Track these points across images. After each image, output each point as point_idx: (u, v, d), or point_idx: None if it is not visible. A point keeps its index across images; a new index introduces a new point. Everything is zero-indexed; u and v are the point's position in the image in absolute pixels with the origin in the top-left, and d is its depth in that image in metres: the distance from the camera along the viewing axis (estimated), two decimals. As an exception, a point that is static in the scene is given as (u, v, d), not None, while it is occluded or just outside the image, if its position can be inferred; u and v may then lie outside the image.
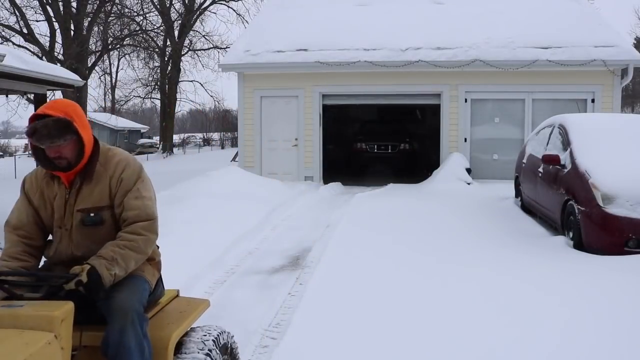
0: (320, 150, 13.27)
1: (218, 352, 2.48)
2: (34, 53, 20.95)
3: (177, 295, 2.75)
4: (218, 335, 2.56)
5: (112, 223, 2.42)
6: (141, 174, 2.46)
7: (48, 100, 14.46)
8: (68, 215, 2.38)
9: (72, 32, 21.78)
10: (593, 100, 12.27)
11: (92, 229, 2.38)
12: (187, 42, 32.41)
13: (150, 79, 33.11)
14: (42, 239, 2.46)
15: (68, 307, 2.02)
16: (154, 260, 2.57)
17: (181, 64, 32.97)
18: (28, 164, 20.74)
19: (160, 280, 2.63)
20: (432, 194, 10.39)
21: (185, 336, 2.48)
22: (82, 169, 2.38)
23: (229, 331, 2.73)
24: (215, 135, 55.93)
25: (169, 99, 32.64)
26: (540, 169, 7.64)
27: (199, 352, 2.40)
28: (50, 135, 2.22)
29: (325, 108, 13.46)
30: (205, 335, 2.51)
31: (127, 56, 31.22)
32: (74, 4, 22.03)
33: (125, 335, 2.17)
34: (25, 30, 21.42)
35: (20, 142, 58.29)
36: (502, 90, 12.60)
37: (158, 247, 2.64)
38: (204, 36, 32.68)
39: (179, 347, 2.42)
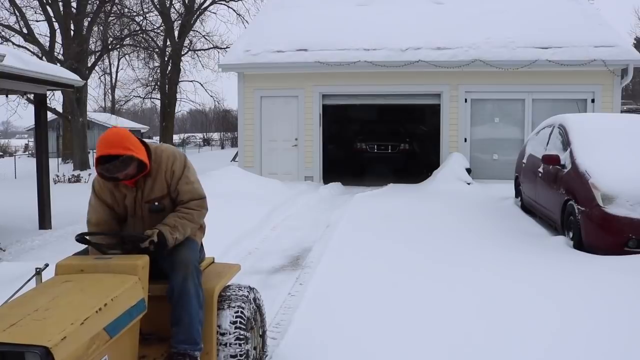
0: (320, 150, 13.27)
1: (249, 299, 3.18)
2: (34, 53, 20.92)
3: (213, 261, 3.44)
4: (248, 289, 3.26)
5: (171, 206, 3.06)
6: (186, 162, 3.06)
7: (48, 100, 14.47)
8: (138, 207, 3.02)
9: (72, 32, 21.72)
10: (593, 100, 12.27)
11: (157, 214, 3.00)
12: (187, 42, 32.37)
13: (150, 79, 33.06)
14: (118, 227, 3.09)
15: (145, 258, 2.72)
16: (201, 227, 3.22)
17: (181, 64, 32.89)
18: (28, 164, 20.71)
19: (202, 245, 3.28)
20: (432, 194, 10.39)
21: (224, 289, 3.15)
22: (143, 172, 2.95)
23: (255, 287, 3.44)
24: (215, 135, 55.91)
25: (169, 99, 32.58)
26: (540, 169, 7.64)
27: (236, 299, 3.11)
28: (120, 171, 2.78)
29: (325, 108, 13.46)
30: (239, 288, 3.23)
31: (127, 56, 31.19)
32: (74, 4, 21.98)
33: (187, 283, 2.79)
34: (25, 30, 21.36)
35: (20, 142, 58.22)
36: (502, 90, 12.60)
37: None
38: (204, 36, 32.65)
39: (220, 297, 3.08)
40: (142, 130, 48.59)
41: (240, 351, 2.99)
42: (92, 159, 24.93)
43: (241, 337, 3.01)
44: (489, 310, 4.15)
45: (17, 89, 8.53)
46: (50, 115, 17.16)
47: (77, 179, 16.57)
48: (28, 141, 53.17)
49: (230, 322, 3.01)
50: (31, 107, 14.39)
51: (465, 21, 13.26)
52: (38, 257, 6.41)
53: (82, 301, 2.32)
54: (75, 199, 11.55)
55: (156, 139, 44.52)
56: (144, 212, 3.02)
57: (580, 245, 5.95)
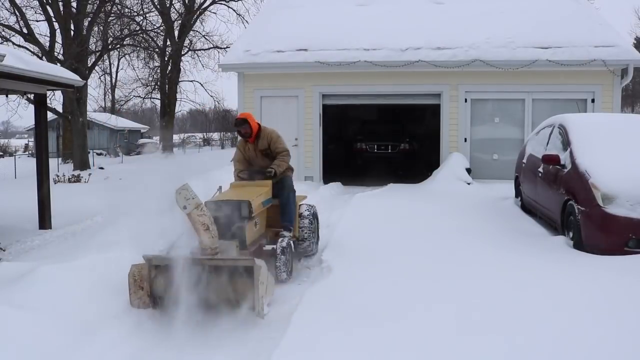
0: (320, 150, 13.27)
1: (312, 208, 6.40)
2: (34, 53, 20.91)
3: None
4: (311, 205, 6.49)
5: (272, 154, 6.00)
6: (278, 135, 6.07)
7: (48, 100, 14.47)
8: (257, 153, 6.03)
9: (72, 32, 21.73)
10: (593, 100, 12.27)
11: (265, 157, 6.00)
12: (187, 42, 32.40)
13: (150, 79, 33.09)
14: (248, 164, 6.12)
15: (270, 181, 5.74)
16: (292, 169, 6.22)
17: (181, 64, 32.94)
18: (28, 164, 20.70)
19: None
20: (432, 194, 10.39)
21: (301, 204, 6.34)
22: (255, 136, 5.96)
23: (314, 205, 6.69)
24: (215, 135, 55.94)
25: (169, 99, 32.61)
26: (540, 169, 7.64)
27: (307, 207, 6.36)
28: (241, 125, 5.92)
29: (325, 108, 13.46)
30: (307, 204, 6.45)
31: (127, 56, 31.18)
32: (74, 4, 21.99)
33: (290, 196, 5.89)
34: (25, 30, 21.35)
35: (20, 142, 58.15)
36: (502, 90, 12.60)
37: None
38: (204, 36, 32.71)
39: (299, 206, 6.24)
40: (142, 130, 48.61)
41: (310, 228, 6.21)
42: (92, 158, 24.92)
43: (311, 222, 6.25)
44: (487, 310, 4.16)
45: (17, 89, 8.54)
46: (50, 115, 17.16)
47: (77, 179, 16.56)
48: (28, 141, 53.13)
49: (305, 216, 6.20)
50: (31, 107, 14.39)
51: (465, 21, 13.26)
52: (38, 257, 6.41)
53: (251, 191, 5.33)
54: (75, 199, 11.55)
55: (156, 138, 44.54)
56: (258, 155, 6.05)
57: (580, 245, 5.96)
